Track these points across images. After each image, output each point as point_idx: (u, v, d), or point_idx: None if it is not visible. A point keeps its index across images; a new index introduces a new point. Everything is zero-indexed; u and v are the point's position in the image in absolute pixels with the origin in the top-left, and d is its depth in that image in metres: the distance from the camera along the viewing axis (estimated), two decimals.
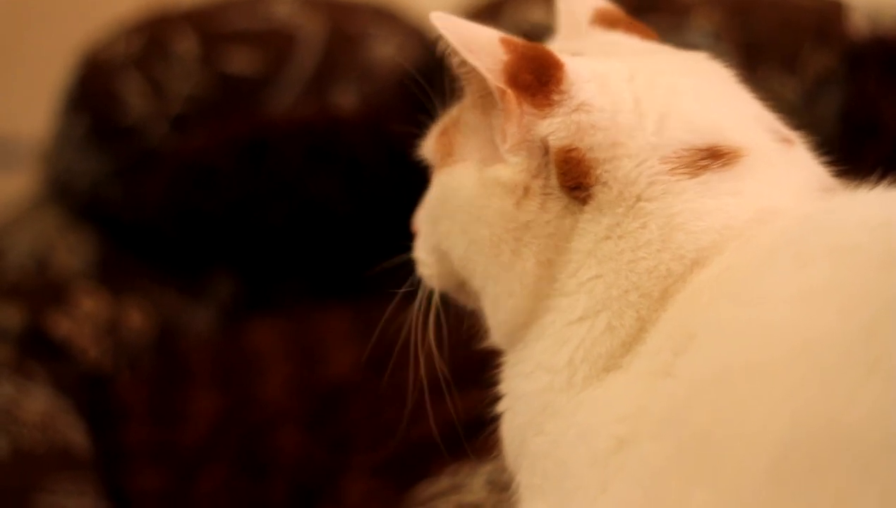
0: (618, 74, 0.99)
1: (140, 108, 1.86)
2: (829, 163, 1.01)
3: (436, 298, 1.11)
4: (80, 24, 2.17)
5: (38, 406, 1.58)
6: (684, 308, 0.92)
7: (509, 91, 0.97)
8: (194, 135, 1.85)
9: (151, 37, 1.93)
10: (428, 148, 1.12)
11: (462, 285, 1.09)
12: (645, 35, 1.12)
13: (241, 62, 1.88)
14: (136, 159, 1.88)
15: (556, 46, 1.10)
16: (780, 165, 0.97)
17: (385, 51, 1.91)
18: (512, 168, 0.99)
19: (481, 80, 0.98)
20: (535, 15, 1.79)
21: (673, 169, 0.95)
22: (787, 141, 0.99)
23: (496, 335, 1.06)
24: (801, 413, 0.77)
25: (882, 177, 0.92)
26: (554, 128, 0.97)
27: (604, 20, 1.13)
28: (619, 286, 0.95)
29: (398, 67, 1.90)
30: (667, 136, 0.96)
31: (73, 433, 1.57)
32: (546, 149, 0.98)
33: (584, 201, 0.97)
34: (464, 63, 0.98)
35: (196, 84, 1.87)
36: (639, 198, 0.95)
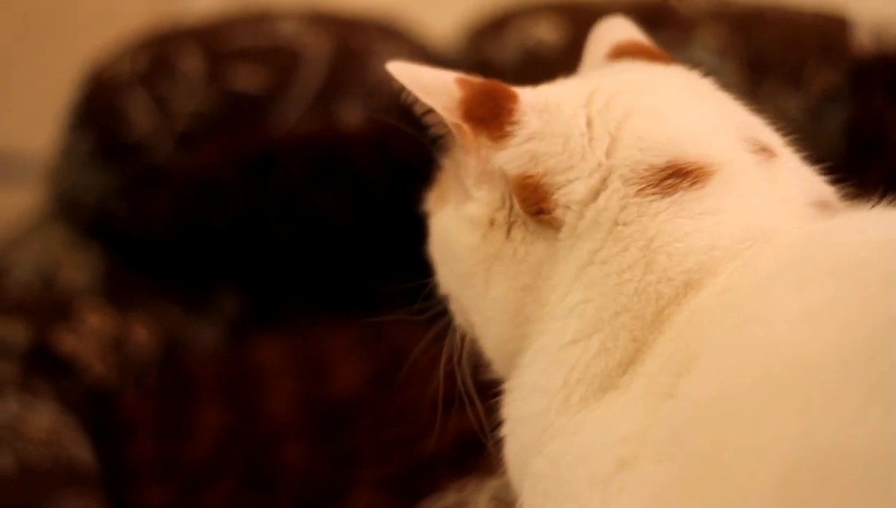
0: (572, 99, 1.01)
1: (146, 125, 1.87)
2: (835, 180, 1.01)
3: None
4: (85, 41, 2.18)
5: (44, 422, 1.58)
6: (684, 329, 0.91)
7: (465, 125, 0.99)
8: (200, 151, 1.86)
9: (157, 54, 1.93)
10: (430, 200, 1.14)
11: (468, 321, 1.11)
12: (652, 58, 1.12)
13: (246, 79, 1.88)
14: (141, 176, 1.88)
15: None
16: (759, 179, 0.96)
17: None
18: (477, 202, 1.02)
19: (443, 122, 1.00)
20: (540, 31, 1.79)
21: (640, 190, 0.95)
22: (766, 151, 0.99)
23: (494, 363, 1.07)
24: (805, 433, 0.77)
25: (885, 194, 0.92)
26: (509, 158, 0.99)
27: (623, 54, 1.14)
28: (609, 309, 0.95)
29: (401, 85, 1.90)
30: (620, 156, 0.97)
31: (79, 449, 1.57)
32: (506, 180, 1.00)
33: (553, 226, 0.98)
34: (424, 106, 1.00)
35: (201, 101, 1.87)
36: (616, 223, 0.96)
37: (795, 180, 0.99)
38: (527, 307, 1.01)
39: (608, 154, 0.97)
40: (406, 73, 1.01)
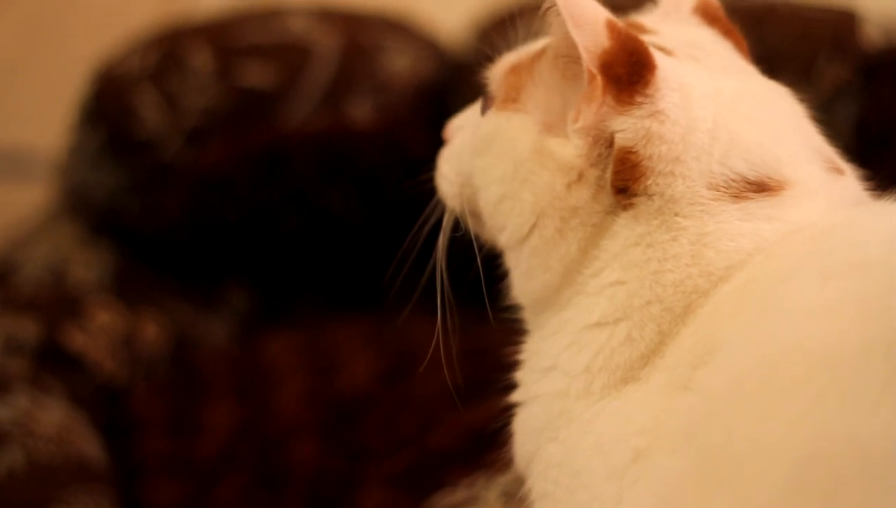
0: (704, 89, 0.98)
1: (156, 122, 1.87)
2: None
3: (448, 218, 1.11)
4: (94, 38, 2.19)
5: (54, 418, 1.58)
6: (705, 322, 0.92)
7: (600, 78, 0.95)
8: (210, 148, 1.86)
9: (167, 51, 1.93)
10: (495, 76, 1.10)
11: (478, 217, 1.09)
12: (738, 42, 1.11)
13: (256, 75, 1.88)
14: (151, 172, 1.88)
15: (650, 21, 1.09)
16: (823, 194, 0.97)
17: (399, 63, 1.91)
18: (572, 148, 0.98)
19: (574, 51, 0.96)
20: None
21: (717, 195, 0.95)
22: (837, 170, 0.99)
23: (520, 297, 1.06)
24: (820, 426, 0.77)
25: None
26: (626, 126, 0.95)
27: (705, 13, 1.12)
28: (642, 296, 0.95)
29: (412, 80, 1.90)
30: (728, 165, 0.95)
31: (89, 445, 1.57)
32: (611, 143, 0.97)
33: (625, 207, 0.97)
34: (565, 34, 0.96)
35: (211, 97, 1.87)
36: (676, 214, 0.95)
37: (851, 195, 0.99)
38: (577, 266, 0.99)
39: (719, 159, 0.95)
40: None
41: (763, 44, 1.64)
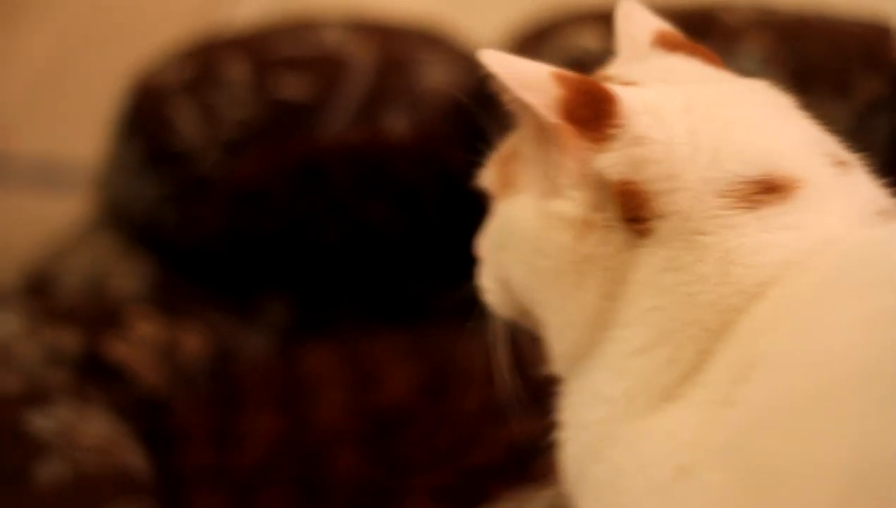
0: (672, 105, 1.00)
1: (193, 134, 1.88)
2: (883, 187, 1.02)
3: (503, 324, 1.13)
4: (129, 49, 2.20)
5: (97, 430, 1.60)
6: (743, 337, 0.92)
7: (565, 126, 0.97)
8: (247, 160, 1.87)
9: (203, 63, 1.94)
10: (487, 178, 1.13)
11: (525, 312, 1.10)
12: (707, 59, 1.13)
13: (291, 87, 1.89)
14: (189, 184, 1.89)
15: (614, 70, 1.11)
16: (836, 193, 0.97)
17: (436, 76, 1.92)
18: (571, 201, 1.00)
19: (535, 116, 0.99)
20: (586, 40, 1.79)
21: (729, 203, 0.95)
22: (843, 164, 1.00)
23: (557, 363, 1.07)
24: (864, 442, 0.78)
25: None
26: (610, 162, 0.97)
27: (665, 42, 1.14)
28: (680, 319, 0.96)
29: (449, 92, 1.91)
30: (721, 169, 0.96)
31: (133, 457, 1.58)
32: (604, 183, 0.98)
33: (643, 234, 0.98)
34: (517, 100, 0.99)
35: (248, 109, 1.88)
36: (696, 232, 0.96)
37: (865, 192, 1.00)
38: (603, 313, 1.00)
39: (710, 165, 0.97)
40: (500, 64, 0.98)
41: (797, 58, 1.65)
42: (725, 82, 1.09)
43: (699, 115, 0.99)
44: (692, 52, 1.13)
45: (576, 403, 1.03)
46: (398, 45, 1.96)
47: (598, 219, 0.99)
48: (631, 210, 0.98)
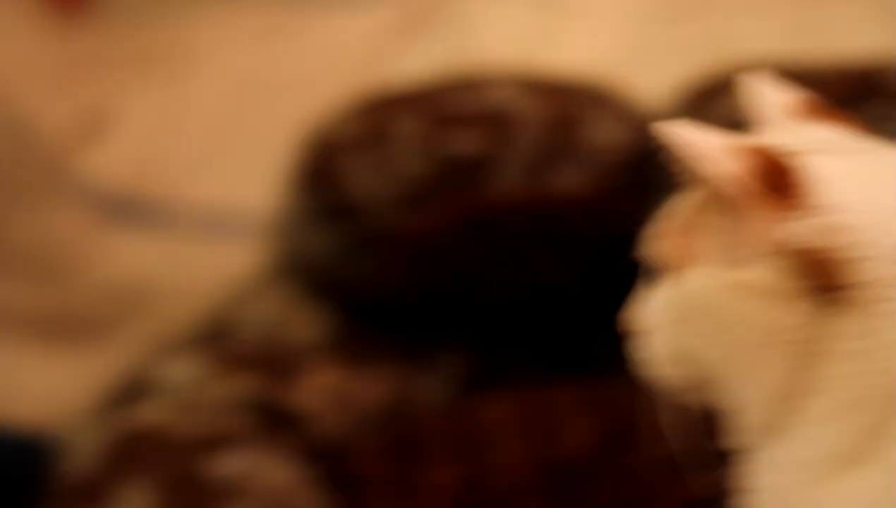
0: (849, 173, 1.00)
1: (367, 189, 1.93)
2: None
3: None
4: (298, 99, 2.27)
5: (278, 476, 1.63)
6: None
7: (751, 197, 0.97)
8: (421, 214, 1.91)
9: (376, 119, 1.99)
10: (658, 248, 1.14)
11: (704, 386, 1.09)
12: (850, 125, 1.12)
13: (463, 144, 1.93)
14: (364, 237, 1.95)
15: (767, 140, 1.12)
16: None
17: (605, 133, 1.94)
18: (762, 271, 1.00)
19: (718, 188, 0.99)
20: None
21: None
22: None
23: (743, 435, 1.06)
24: None
25: None
26: (799, 230, 0.97)
27: (804, 111, 1.13)
28: (876, 386, 0.96)
29: (618, 150, 1.93)
30: None
31: (314, 503, 1.62)
32: (793, 252, 0.98)
33: (833, 302, 0.98)
34: (696, 172, 0.99)
35: (420, 165, 1.93)
36: (885, 299, 0.96)
37: None
38: (794, 383, 1.00)
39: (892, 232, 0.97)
40: (677, 136, 0.98)
41: None
42: (880, 151, 1.08)
43: (877, 184, 1.00)
44: (834, 120, 1.12)
45: (764, 470, 1.04)
46: (567, 102, 1.99)
47: (788, 289, 1.00)
48: (821, 278, 0.98)
